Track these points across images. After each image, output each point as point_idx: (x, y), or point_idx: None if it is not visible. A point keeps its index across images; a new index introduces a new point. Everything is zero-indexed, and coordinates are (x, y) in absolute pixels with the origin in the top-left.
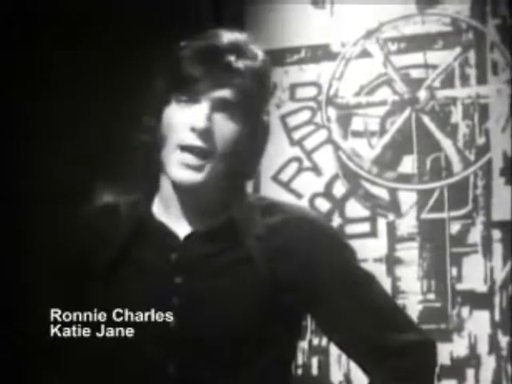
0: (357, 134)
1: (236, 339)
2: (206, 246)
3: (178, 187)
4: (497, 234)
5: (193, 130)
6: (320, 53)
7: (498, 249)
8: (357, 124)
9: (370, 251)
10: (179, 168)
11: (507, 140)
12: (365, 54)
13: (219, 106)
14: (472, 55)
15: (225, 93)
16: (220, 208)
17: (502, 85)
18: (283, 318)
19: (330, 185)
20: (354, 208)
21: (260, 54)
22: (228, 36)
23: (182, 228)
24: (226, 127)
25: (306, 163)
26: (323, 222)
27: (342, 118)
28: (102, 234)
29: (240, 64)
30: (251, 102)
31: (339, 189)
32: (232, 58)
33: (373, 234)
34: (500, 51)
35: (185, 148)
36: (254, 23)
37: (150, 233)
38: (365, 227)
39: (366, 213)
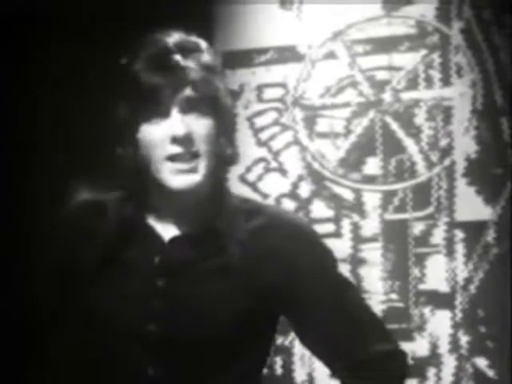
0: (322, 136)
1: (213, 343)
2: (190, 249)
3: (175, 193)
4: (459, 234)
5: (174, 140)
6: (287, 54)
7: (460, 249)
8: (322, 125)
9: (334, 251)
10: (174, 175)
11: (470, 142)
12: (331, 55)
13: (187, 106)
14: (436, 58)
15: (187, 92)
16: (207, 211)
17: (466, 87)
18: (261, 323)
19: (295, 185)
20: (319, 208)
21: (203, 44)
22: (167, 38)
23: (167, 231)
24: (200, 125)
25: (273, 164)
26: (307, 227)
27: (308, 119)
28: (88, 231)
29: (189, 60)
30: (212, 93)
31: (305, 189)
32: (178, 57)
33: (337, 234)
34: (464, 54)
35: (172, 158)
36: (222, 24)
37: (137, 234)
38: (329, 227)
39: (330, 213)
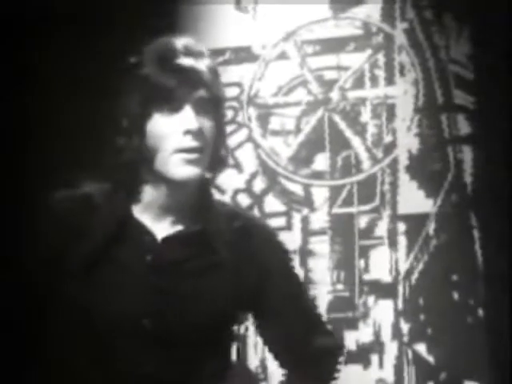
0: (275, 133)
1: (198, 339)
2: (182, 249)
3: (170, 190)
4: (402, 226)
5: (187, 133)
6: (242, 54)
7: (402, 241)
8: (275, 123)
9: (285, 244)
10: (180, 166)
11: (412, 138)
12: (283, 55)
13: (199, 106)
14: (381, 57)
15: (201, 93)
16: (197, 211)
17: (408, 85)
18: (235, 319)
19: (250, 181)
20: (272, 203)
21: (206, 51)
22: (179, 41)
23: (160, 230)
24: (206, 124)
25: (229, 160)
26: (274, 231)
27: (262, 118)
28: (78, 226)
29: (200, 63)
30: (220, 96)
31: (259, 185)
32: (192, 61)
33: (288, 227)
34: (407, 53)
35: (183, 150)
36: (183, 24)
37: (129, 232)
38: (281, 221)
39: (282, 208)
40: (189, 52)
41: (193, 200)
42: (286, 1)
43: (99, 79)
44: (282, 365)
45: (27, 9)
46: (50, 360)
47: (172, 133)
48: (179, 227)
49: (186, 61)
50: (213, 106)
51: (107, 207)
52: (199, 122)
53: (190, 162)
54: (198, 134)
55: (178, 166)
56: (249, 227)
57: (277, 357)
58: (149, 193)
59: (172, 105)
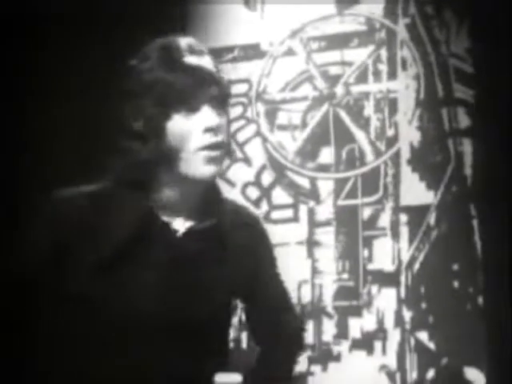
0: (282, 128)
1: (207, 332)
2: (198, 243)
3: (187, 186)
4: (404, 217)
5: (207, 130)
6: (251, 52)
7: (404, 231)
8: (282, 118)
9: (292, 235)
10: (204, 165)
11: (414, 131)
12: (290, 52)
13: (214, 103)
14: (384, 52)
15: (213, 90)
16: (210, 206)
17: (410, 80)
18: (233, 311)
19: (259, 174)
20: (280, 195)
21: (206, 49)
22: (182, 41)
23: (177, 225)
24: (222, 120)
25: (239, 154)
26: (266, 229)
27: (269, 113)
28: (86, 224)
29: (206, 62)
30: (227, 94)
31: (267, 178)
32: (199, 59)
33: (295, 219)
34: (409, 48)
35: (206, 148)
36: (192, 24)
37: (151, 229)
38: (288, 213)
39: (289, 200)
40: (193, 51)
41: (204, 195)
42: (292, 1)
43: (99, 79)
44: (259, 341)
45: (27, 9)
46: (51, 358)
47: (193, 131)
48: (193, 222)
49: (193, 59)
50: (223, 102)
51: (128, 206)
52: (217, 118)
53: (212, 159)
54: (217, 130)
55: (202, 165)
56: (250, 224)
57: (255, 333)
58: (165, 191)
59: (190, 104)
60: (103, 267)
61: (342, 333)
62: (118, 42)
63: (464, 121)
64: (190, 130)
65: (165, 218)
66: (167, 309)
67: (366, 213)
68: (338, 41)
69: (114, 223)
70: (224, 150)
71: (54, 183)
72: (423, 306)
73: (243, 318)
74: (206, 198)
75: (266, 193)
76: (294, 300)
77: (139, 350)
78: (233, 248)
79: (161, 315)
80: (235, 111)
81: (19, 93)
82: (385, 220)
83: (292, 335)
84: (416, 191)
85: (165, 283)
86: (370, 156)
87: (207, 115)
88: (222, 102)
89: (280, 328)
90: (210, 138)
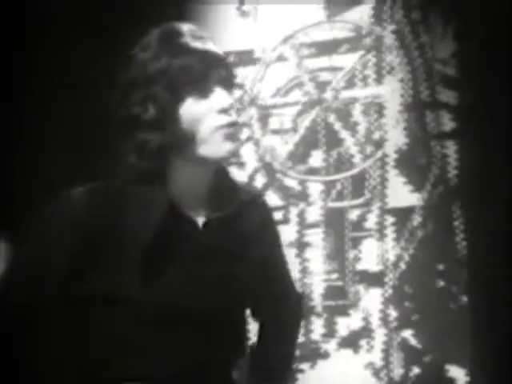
0: (274, 132)
1: (225, 324)
2: (220, 232)
3: (204, 170)
4: (390, 219)
5: (222, 111)
6: (245, 57)
7: (390, 233)
8: (274, 123)
9: (283, 237)
10: (223, 143)
11: (400, 135)
12: (282, 58)
13: (224, 84)
14: (371, 58)
15: (222, 72)
16: (222, 195)
17: (396, 84)
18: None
19: (252, 177)
20: (272, 198)
21: (206, 35)
22: (184, 27)
23: (198, 216)
24: (233, 101)
25: (232, 158)
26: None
27: (262, 118)
28: (110, 221)
29: (213, 46)
30: (233, 75)
31: (260, 181)
32: (205, 43)
33: (285, 221)
34: (395, 53)
35: (223, 126)
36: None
37: (174, 222)
38: (279, 215)
39: (280, 202)
40: (196, 35)
41: (218, 183)
42: (284, 5)
43: (100, 79)
44: (258, 317)
45: (27, 9)
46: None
47: (207, 113)
48: (208, 212)
49: (198, 43)
50: (231, 83)
51: (149, 202)
52: (230, 99)
53: (230, 136)
54: (231, 109)
55: (220, 143)
56: (262, 211)
57: (256, 312)
58: (180, 180)
59: (202, 87)
60: (132, 267)
61: (330, 331)
62: (118, 41)
63: (448, 124)
64: (205, 113)
65: (184, 210)
66: (194, 301)
67: (354, 214)
68: (328, 47)
69: (137, 221)
70: (238, 128)
71: (54, 183)
72: (408, 305)
73: None
74: (221, 186)
75: None
76: None
77: (170, 341)
78: (247, 235)
79: (189, 307)
80: None
81: (19, 93)
82: (372, 221)
83: (292, 306)
84: (402, 193)
85: (191, 276)
86: (357, 159)
87: (220, 96)
88: (230, 82)
89: (281, 303)
90: (226, 118)
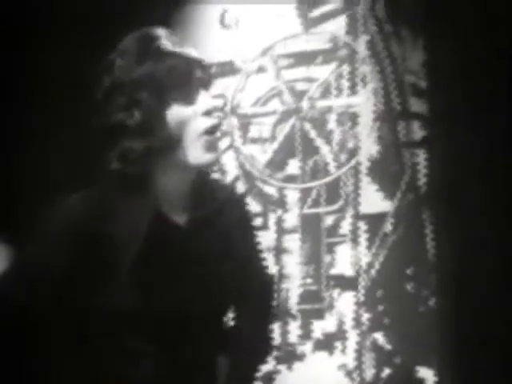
0: (253, 141)
1: (212, 324)
2: (201, 233)
3: (187, 172)
4: (363, 225)
5: (206, 113)
6: (226, 68)
7: (363, 238)
8: (253, 131)
9: (262, 242)
10: (203, 152)
11: (373, 143)
12: (261, 69)
13: (205, 86)
14: (346, 68)
15: (203, 74)
16: (202, 195)
17: (369, 94)
18: None
19: (232, 184)
20: (251, 204)
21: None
22: (158, 32)
23: (182, 216)
24: (215, 103)
25: (214, 166)
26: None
27: (242, 127)
28: (97, 232)
29: (190, 49)
30: (211, 76)
31: (240, 188)
32: (184, 47)
33: (264, 227)
34: (368, 64)
35: (207, 132)
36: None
37: (160, 226)
38: (258, 221)
39: (259, 208)
40: (174, 39)
41: (199, 183)
42: (264, 17)
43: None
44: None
45: (27, 9)
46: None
47: (192, 116)
48: (192, 211)
49: (178, 47)
50: (210, 84)
51: (136, 208)
52: (212, 100)
53: (211, 146)
54: (214, 111)
55: (201, 152)
56: (242, 210)
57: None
58: (163, 183)
59: (187, 90)
60: (123, 274)
61: (306, 334)
62: (118, 41)
63: (418, 133)
64: (191, 116)
65: (169, 212)
66: (182, 303)
67: (329, 220)
68: (305, 58)
69: (126, 228)
70: (219, 136)
71: (54, 184)
72: (380, 308)
73: None
74: (203, 185)
75: None
76: None
77: (160, 343)
78: (232, 241)
79: (176, 310)
80: None
81: (19, 93)
82: (345, 227)
83: (264, 290)
84: (374, 200)
85: (179, 278)
86: (332, 167)
87: (204, 99)
88: (210, 84)
89: (258, 295)
90: (210, 121)
